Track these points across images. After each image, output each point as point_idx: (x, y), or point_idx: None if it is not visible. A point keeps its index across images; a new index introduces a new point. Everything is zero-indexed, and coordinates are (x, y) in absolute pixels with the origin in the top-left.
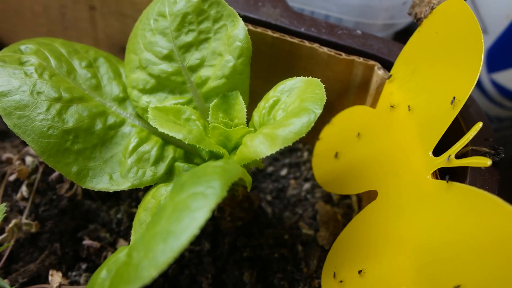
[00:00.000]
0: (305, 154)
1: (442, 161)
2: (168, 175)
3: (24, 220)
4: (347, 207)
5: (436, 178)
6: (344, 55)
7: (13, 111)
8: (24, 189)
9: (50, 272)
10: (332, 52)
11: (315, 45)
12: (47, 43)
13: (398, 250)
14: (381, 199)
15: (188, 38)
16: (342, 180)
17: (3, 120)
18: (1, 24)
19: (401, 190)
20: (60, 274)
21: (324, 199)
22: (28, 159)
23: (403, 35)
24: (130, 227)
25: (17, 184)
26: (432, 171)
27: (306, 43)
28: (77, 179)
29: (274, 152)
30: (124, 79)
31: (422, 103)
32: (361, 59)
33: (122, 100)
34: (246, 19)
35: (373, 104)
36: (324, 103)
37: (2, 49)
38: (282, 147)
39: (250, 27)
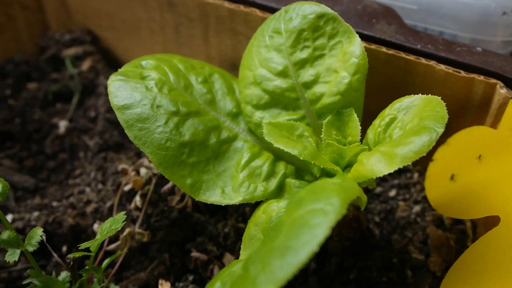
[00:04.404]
0: (415, 175)
1: None
2: (279, 191)
3: (137, 229)
4: (460, 232)
5: None
6: (463, 73)
7: (134, 123)
8: (138, 199)
9: (160, 281)
10: (450, 69)
11: (432, 62)
12: (166, 59)
13: None
14: (504, 226)
15: (303, 54)
16: (458, 204)
17: (125, 131)
18: (121, 43)
19: None
20: (169, 284)
21: (435, 223)
22: (143, 171)
23: None
24: (236, 241)
25: (131, 194)
26: None
27: (423, 60)
28: (191, 191)
29: (392, 171)
30: (237, 94)
31: None
32: (481, 77)
33: (235, 115)
34: (360, 36)
35: (494, 125)
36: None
37: (122, 65)
38: (401, 166)
39: (364, 44)
